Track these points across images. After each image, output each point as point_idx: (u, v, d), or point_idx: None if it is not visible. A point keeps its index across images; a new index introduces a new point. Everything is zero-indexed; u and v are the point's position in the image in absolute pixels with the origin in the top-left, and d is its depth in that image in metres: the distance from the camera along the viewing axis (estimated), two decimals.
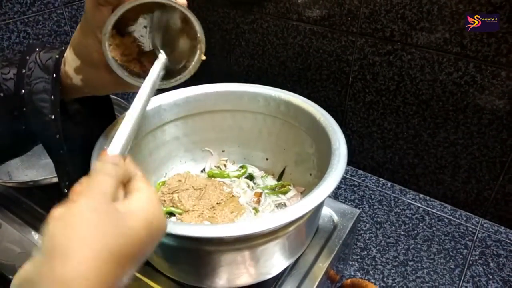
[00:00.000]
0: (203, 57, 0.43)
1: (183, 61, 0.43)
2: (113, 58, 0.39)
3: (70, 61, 0.40)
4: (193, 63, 0.42)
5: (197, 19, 0.41)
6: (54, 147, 0.42)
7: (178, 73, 0.43)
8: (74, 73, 0.40)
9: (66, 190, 0.46)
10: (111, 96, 0.81)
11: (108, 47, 0.38)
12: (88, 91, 0.42)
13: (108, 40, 0.38)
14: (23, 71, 0.40)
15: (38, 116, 0.40)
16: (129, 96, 1.09)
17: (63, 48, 0.41)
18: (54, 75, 0.40)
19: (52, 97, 0.40)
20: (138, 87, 0.39)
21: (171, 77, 0.43)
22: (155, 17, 0.41)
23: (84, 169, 0.50)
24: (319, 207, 0.51)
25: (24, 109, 0.40)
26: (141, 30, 0.42)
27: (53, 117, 0.40)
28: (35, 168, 0.77)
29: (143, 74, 0.41)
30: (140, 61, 0.42)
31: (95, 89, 0.43)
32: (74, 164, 0.45)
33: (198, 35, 0.41)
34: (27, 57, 0.40)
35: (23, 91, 0.40)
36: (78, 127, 0.46)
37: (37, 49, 0.41)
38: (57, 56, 0.40)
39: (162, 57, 0.41)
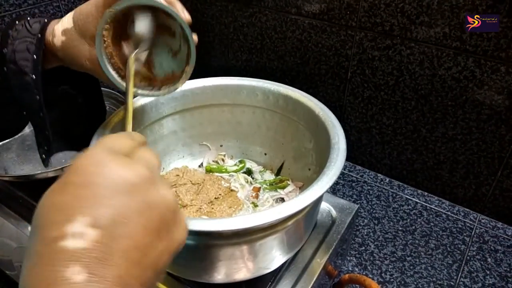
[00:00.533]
0: (180, 84, 0.44)
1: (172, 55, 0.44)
2: (102, 39, 0.39)
3: (65, 22, 0.40)
4: (173, 85, 0.44)
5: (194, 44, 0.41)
6: (33, 109, 0.42)
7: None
8: (60, 34, 0.40)
9: (44, 156, 0.46)
10: (110, 90, 0.80)
11: (104, 30, 0.38)
12: (62, 56, 0.42)
13: (109, 18, 0.38)
14: (10, 32, 0.40)
15: (19, 75, 0.40)
16: None
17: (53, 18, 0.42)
18: (39, 35, 0.40)
19: (35, 56, 0.39)
20: (107, 77, 0.41)
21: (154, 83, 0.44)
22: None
23: (64, 138, 0.50)
24: (318, 201, 0.51)
25: (5, 68, 0.40)
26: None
27: (34, 76, 0.40)
28: (32, 162, 0.76)
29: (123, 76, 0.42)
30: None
31: (70, 57, 0.42)
32: (55, 132, 0.45)
33: (191, 60, 0.42)
34: (17, 22, 0.40)
35: (5, 50, 0.39)
36: (61, 94, 0.46)
37: (28, 17, 0.42)
38: (45, 20, 0.41)
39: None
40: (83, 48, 0.40)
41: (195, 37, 0.41)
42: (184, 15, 0.40)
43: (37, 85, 0.40)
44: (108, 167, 0.22)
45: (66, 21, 0.40)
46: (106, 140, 0.25)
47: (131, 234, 0.22)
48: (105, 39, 0.39)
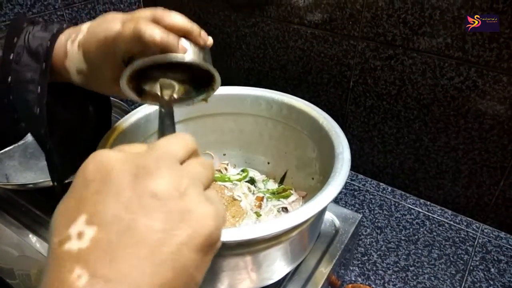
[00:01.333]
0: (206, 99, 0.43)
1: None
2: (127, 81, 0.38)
3: (76, 60, 0.38)
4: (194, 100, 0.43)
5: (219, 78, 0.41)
6: (39, 140, 0.41)
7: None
8: (75, 72, 0.39)
9: (55, 183, 0.45)
10: (113, 99, 0.81)
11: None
12: (81, 85, 0.41)
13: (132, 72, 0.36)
14: (11, 56, 0.37)
15: (25, 107, 0.38)
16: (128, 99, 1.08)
17: (55, 31, 0.39)
18: (44, 66, 0.37)
19: (39, 90, 0.37)
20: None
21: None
22: None
23: (75, 160, 0.49)
24: (322, 212, 0.50)
25: (11, 97, 0.38)
26: None
27: (38, 111, 0.38)
28: (33, 170, 0.76)
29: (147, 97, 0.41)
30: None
31: (89, 87, 0.41)
32: (64, 156, 0.44)
33: (215, 88, 0.42)
34: (15, 39, 0.38)
35: (9, 78, 0.37)
36: (71, 112, 0.45)
37: (25, 27, 0.39)
38: (48, 44, 0.38)
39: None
40: (103, 83, 0.39)
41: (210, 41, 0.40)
42: (205, 38, 0.38)
43: (42, 119, 0.38)
44: (107, 162, 0.21)
45: (77, 61, 0.38)
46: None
47: (135, 228, 0.20)
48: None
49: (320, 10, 0.78)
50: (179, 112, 0.60)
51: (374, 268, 0.70)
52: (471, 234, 0.76)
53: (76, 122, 0.47)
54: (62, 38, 0.38)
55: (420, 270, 0.69)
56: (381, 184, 0.88)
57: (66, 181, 0.57)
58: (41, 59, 0.37)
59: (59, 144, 0.43)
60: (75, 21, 0.91)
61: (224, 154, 0.68)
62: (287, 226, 0.38)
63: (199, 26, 0.39)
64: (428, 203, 0.83)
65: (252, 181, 0.65)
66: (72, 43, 0.38)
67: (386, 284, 0.67)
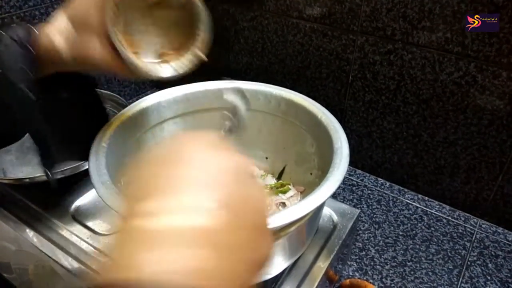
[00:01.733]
0: (204, 57, 0.43)
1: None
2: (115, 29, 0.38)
3: (62, 28, 0.38)
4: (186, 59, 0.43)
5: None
6: (33, 129, 0.41)
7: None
8: (64, 43, 0.38)
9: (51, 176, 0.45)
10: (108, 92, 0.80)
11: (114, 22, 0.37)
12: (73, 63, 0.40)
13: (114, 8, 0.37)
14: (0, 48, 0.38)
15: (16, 95, 0.39)
16: (125, 93, 1.08)
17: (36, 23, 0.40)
18: (33, 52, 0.38)
19: (30, 76, 0.38)
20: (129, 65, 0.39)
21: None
22: None
23: (68, 153, 0.49)
24: (320, 207, 0.50)
25: (3, 88, 0.39)
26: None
27: (32, 97, 0.38)
28: (31, 165, 0.75)
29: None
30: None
31: (81, 63, 0.40)
32: (58, 149, 0.44)
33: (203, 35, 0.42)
34: (1, 33, 0.39)
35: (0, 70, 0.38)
36: (63, 108, 0.45)
37: (13, 25, 0.40)
38: (36, 32, 0.39)
39: None
40: (95, 50, 0.39)
41: None
42: None
43: (36, 105, 0.39)
44: (187, 147, 0.23)
45: (64, 28, 0.38)
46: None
47: (227, 226, 0.20)
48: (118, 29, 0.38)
49: (319, 4, 0.77)
50: (176, 106, 0.60)
51: (372, 263, 0.70)
52: (469, 229, 0.76)
53: (70, 116, 0.46)
54: (45, 29, 0.39)
55: (418, 265, 0.69)
56: (379, 179, 0.88)
57: (59, 176, 0.57)
58: (30, 47, 0.38)
59: (52, 137, 0.43)
60: None
61: None
62: (285, 221, 0.38)
63: None
64: (426, 198, 0.83)
65: None
66: (56, 15, 0.39)
67: (383, 279, 0.67)
